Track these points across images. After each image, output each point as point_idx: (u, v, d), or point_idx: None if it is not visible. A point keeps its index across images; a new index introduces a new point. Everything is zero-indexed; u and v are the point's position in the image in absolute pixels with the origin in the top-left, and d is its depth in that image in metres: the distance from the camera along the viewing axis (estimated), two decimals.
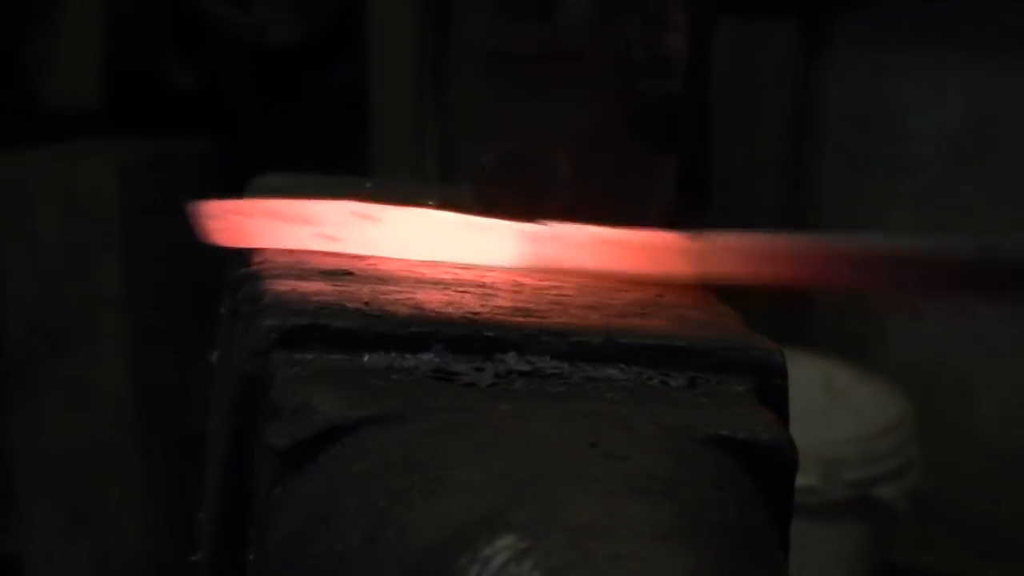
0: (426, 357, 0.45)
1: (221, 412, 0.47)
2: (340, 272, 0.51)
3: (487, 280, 0.52)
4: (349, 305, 0.46)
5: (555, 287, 0.52)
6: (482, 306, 0.48)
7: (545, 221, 0.53)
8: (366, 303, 0.47)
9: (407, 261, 0.53)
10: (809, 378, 1.76)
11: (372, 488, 0.39)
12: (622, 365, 0.46)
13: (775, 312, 1.99)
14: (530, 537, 0.33)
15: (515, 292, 0.51)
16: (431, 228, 0.52)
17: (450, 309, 0.47)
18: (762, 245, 0.51)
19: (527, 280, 0.53)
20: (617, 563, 0.32)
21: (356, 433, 0.41)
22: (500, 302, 0.49)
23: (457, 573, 0.33)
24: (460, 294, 0.50)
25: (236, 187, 0.67)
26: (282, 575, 0.40)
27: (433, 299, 0.49)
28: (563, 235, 0.52)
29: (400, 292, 0.49)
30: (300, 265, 0.52)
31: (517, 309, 0.48)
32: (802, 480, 1.45)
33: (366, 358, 0.45)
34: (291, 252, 0.53)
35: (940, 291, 0.52)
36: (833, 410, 1.78)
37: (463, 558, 0.34)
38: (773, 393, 0.46)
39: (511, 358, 0.45)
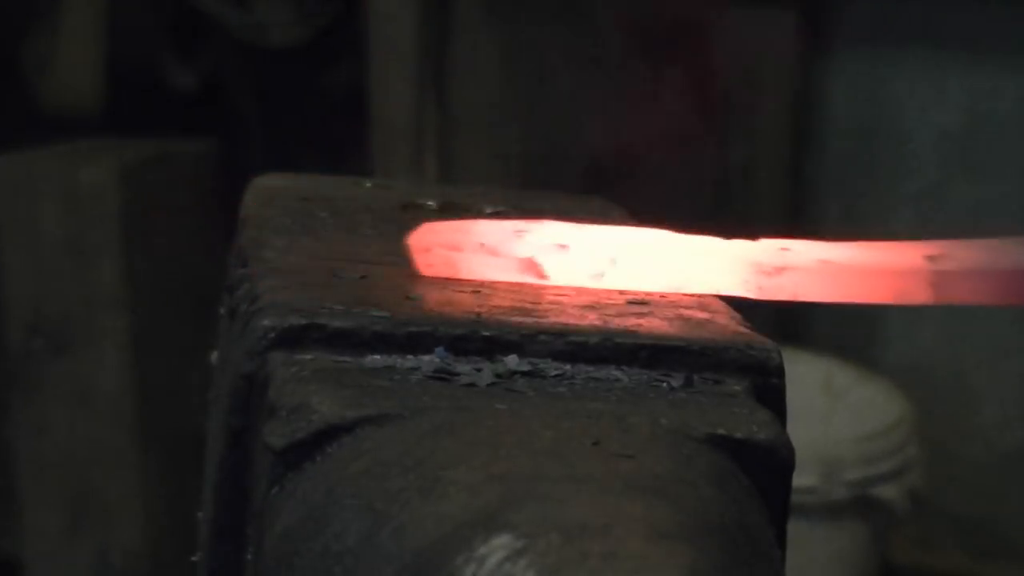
0: (426, 358, 0.45)
1: (219, 412, 0.47)
2: (339, 272, 0.51)
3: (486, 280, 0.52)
4: (348, 305, 0.46)
5: (554, 286, 0.52)
6: (481, 306, 0.48)
7: (766, 240, 0.51)
8: (365, 303, 0.47)
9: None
10: (809, 378, 1.77)
11: (369, 488, 0.39)
12: (621, 365, 0.46)
13: (775, 312, 1.99)
14: (526, 536, 0.33)
15: (514, 292, 0.51)
16: (651, 255, 0.50)
17: (449, 309, 0.47)
18: (1003, 264, 0.48)
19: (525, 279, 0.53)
20: (613, 562, 0.32)
21: (354, 433, 0.41)
22: (499, 302, 0.49)
23: (453, 572, 0.34)
24: (459, 294, 0.50)
25: (236, 187, 0.67)
26: (280, 575, 0.40)
27: (432, 299, 0.49)
28: (793, 264, 0.49)
29: (399, 292, 0.49)
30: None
31: (516, 309, 0.48)
32: (802, 480, 1.45)
33: (365, 358, 0.45)
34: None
35: None
36: (833, 410, 1.78)
37: (459, 557, 0.34)
38: (771, 392, 0.46)
39: (511, 359, 0.45)
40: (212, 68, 1.95)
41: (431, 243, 0.51)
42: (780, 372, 0.47)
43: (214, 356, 0.55)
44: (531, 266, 0.50)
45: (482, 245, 0.50)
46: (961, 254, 0.49)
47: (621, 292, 0.53)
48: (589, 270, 0.50)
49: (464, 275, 0.50)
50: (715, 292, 0.50)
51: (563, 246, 0.50)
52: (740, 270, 0.50)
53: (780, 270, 0.49)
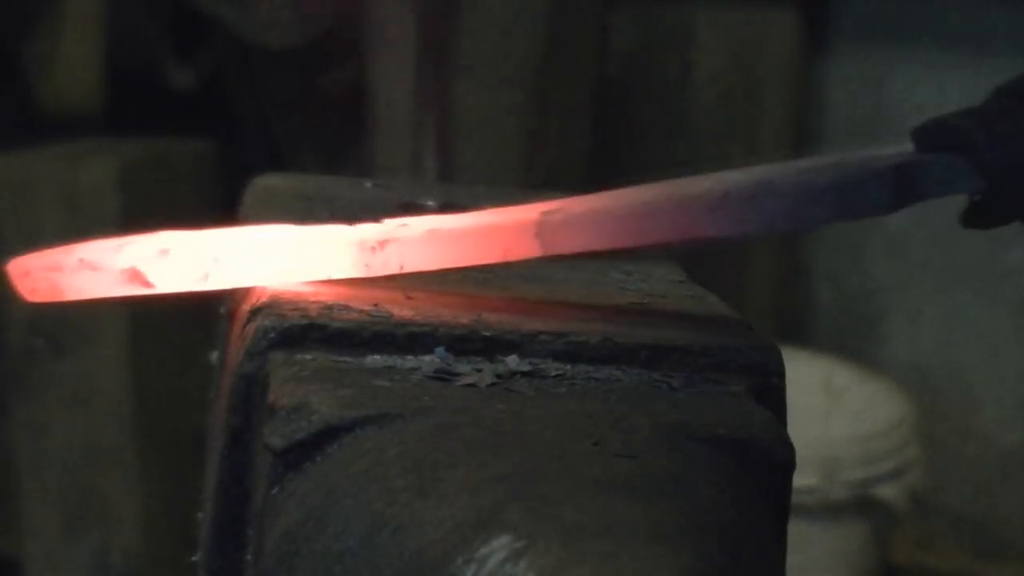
0: (427, 358, 0.45)
1: (219, 412, 0.47)
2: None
3: (487, 279, 0.52)
4: (348, 305, 0.46)
5: (554, 286, 0.52)
6: (480, 305, 0.48)
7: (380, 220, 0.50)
8: (365, 303, 0.47)
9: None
10: (809, 378, 1.76)
11: (369, 488, 0.39)
12: (621, 365, 0.46)
13: (775, 312, 1.99)
14: (525, 536, 0.33)
15: (515, 292, 0.51)
16: (257, 251, 0.49)
17: (449, 309, 0.47)
18: (606, 213, 0.48)
19: (525, 279, 0.53)
20: (612, 562, 0.32)
21: (354, 433, 0.41)
22: (499, 302, 0.49)
23: (453, 572, 0.33)
24: (459, 295, 0.50)
25: (236, 187, 0.67)
26: (280, 574, 0.40)
27: (432, 298, 0.49)
28: (398, 236, 0.49)
29: (400, 292, 0.49)
30: None
31: (516, 309, 0.48)
32: (802, 480, 1.45)
33: (365, 358, 0.45)
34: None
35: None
36: (833, 410, 1.78)
37: (459, 557, 0.34)
38: (771, 392, 0.46)
39: (512, 359, 0.45)
40: (212, 68, 1.95)
41: (31, 266, 0.50)
42: (780, 372, 0.47)
43: (214, 356, 0.55)
44: (135, 276, 0.49)
45: (82, 261, 0.49)
46: (574, 207, 0.49)
47: (622, 292, 0.53)
48: (193, 273, 0.49)
49: (68, 296, 0.49)
50: (325, 278, 0.49)
51: (164, 251, 0.49)
52: (345, 252, 0.49)
53: (384, 243, 0.49)
